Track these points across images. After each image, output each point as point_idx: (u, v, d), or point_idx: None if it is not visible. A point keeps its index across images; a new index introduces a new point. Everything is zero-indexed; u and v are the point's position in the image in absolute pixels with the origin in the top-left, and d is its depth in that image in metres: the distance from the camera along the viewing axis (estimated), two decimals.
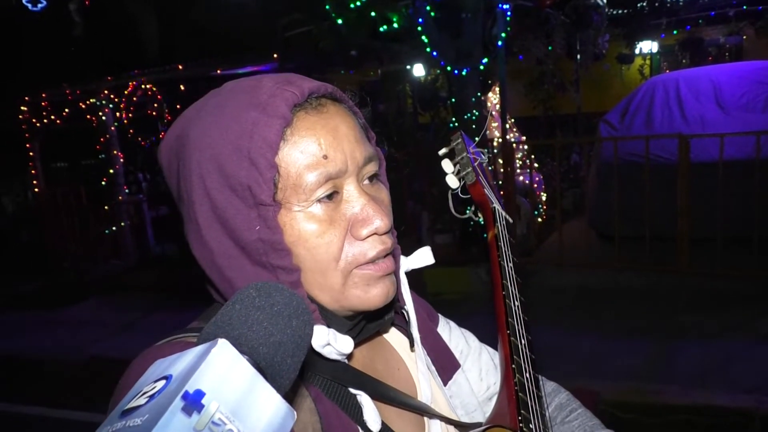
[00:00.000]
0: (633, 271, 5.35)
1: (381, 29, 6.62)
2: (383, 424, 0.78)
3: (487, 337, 1.12)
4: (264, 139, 0.69)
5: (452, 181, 1.05)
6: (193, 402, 0.36)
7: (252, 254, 0.71)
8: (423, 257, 0.90)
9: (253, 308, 0.48)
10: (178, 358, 0.41)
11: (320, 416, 0.72)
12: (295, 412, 0.42)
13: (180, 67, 7.94)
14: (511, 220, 1.04)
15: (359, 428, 0.76)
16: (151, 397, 0.37)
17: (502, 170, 6.02)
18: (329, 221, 0.72)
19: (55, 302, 6.93)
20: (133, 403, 0.38)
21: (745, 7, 9.70)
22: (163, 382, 0.39)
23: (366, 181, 0.77)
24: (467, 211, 1.08)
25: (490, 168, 1.13)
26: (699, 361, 3.99)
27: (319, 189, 0.71)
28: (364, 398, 0.77)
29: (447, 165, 1.06)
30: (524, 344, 0.89)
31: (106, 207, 8.37)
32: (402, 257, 0.88)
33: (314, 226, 0.71)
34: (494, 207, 1.02)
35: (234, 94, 0.74)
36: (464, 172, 1.04)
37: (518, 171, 7.01)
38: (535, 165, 7.54)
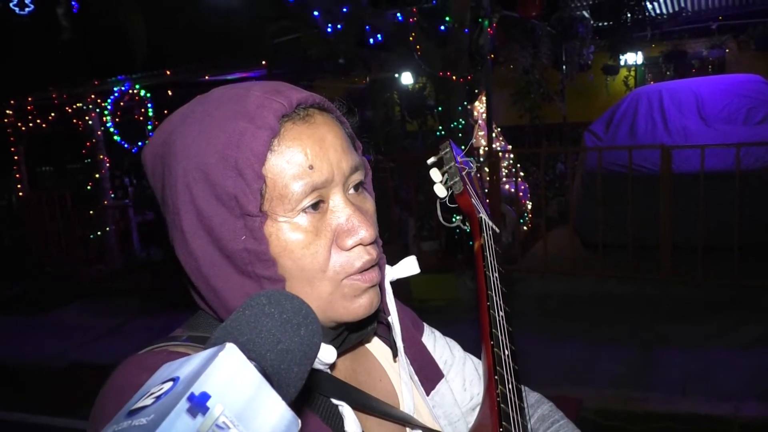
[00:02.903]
0: (616, 279, 5.40)
1: (369, 38, 6.66)
2: None
3: (472, 344, 1.14)
4: (251, 149, 0.68)
5: (440, 191, 1.05)
6: (199, 404, 0.37)
7: (238, 264, 0.71)
8: (408, 267, 0.90)
9: (263, 315, 0.48)
10: (186, 360, 0.42)
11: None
12: (299, 421, 0.42)
13: (168, 72, 7.91)
14: (498, 230, 1.04)
15: None
16: (158, 398, 0.38)
17: (488, 179, 6.06)
18: (315, 232, 0.72)
19: (38, 307, 6.85)
20: (140, 404, 0.39)
21: (728, 21, 9.86)
22: (170, 383, 0.39)
23: (352, 191, 0.77)
24: (454, 220, 1.08)
25: (478, 176, 1.14)
26: (681, 368, 4.04)
27: (305, 199, 0.71)
28: (345, 409, 0.77)
29: (435, 174, 1.05)
30: (507, 355, 0.89)
31: (91, 212, 8.29)
32: (387, 266, 0.88)
33: (300, 236, 0.71)
34: (481, 217, 1.02)
35: (221, 103, 0.73)
36: (452, 182, 1.04)
37: (504, 179, 7.06)
38: (521, 174, 7.59)
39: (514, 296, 5.53)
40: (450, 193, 1.05)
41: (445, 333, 1.12)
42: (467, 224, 1.06)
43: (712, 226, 5.05)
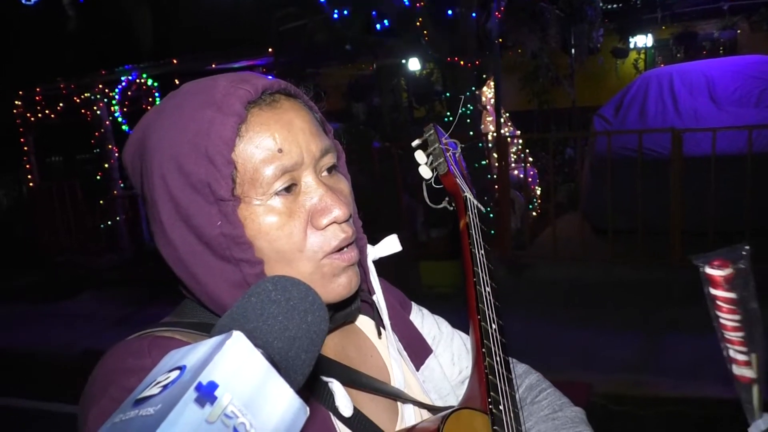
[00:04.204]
0: (626, 265, 5.38)
1: (376, 24, 6.62)
2: (355, 409, 0.79)
3: None
4: (220, 136, 0.70)
5: (425, 172, 1.07)
6: (206, 393, 0.37)
7: (216, 249, 0.72)
8: (390, 245, 0.92)
9: (269, 302, 0.48)
10: (192, 348, 0.41)
11: None
12: (308, 408, 0.42)
13: (174, 61, 7.90)
14: (483, 209, 1.06)
15: (331, 414, 0.77)
16: (165, 387, 0.38)
17: (496, 164, 6.03)
18: (288, 213, 0.74)
19: (49, 296, 6.91)
20: (147, 393, 0.38)
21: (739, 1, 9.72)
22: (177, 372, 0.39)
23: (324, 173, 0.79)
24: (443, 203, 1.10)
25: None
26: (691, 353, 4.02)
27: (276, 182, 0.73)
28: (335, 385, 0.78)
29: (420, 156, 1.08)
30: (495, 329, 0.91)
31: (101, 201, 8.34)
32: (369, 246, 0.90)
33: (274, 218, 0.73)
34: (466, 196, 1.04)
35: (190, 95, 0.76)
36: (437, 163, 1.07)
37: (513, 165, 7.03)
38: (530, 159, 7.55)
39: (523, 282, 5.52)
40: (435, 174, 1.08)
41: (453, 319, 1.13)
42: (453, 205, 1.08)
43: (724, 211, 5.00)
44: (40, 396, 4.55)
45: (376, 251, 0.91)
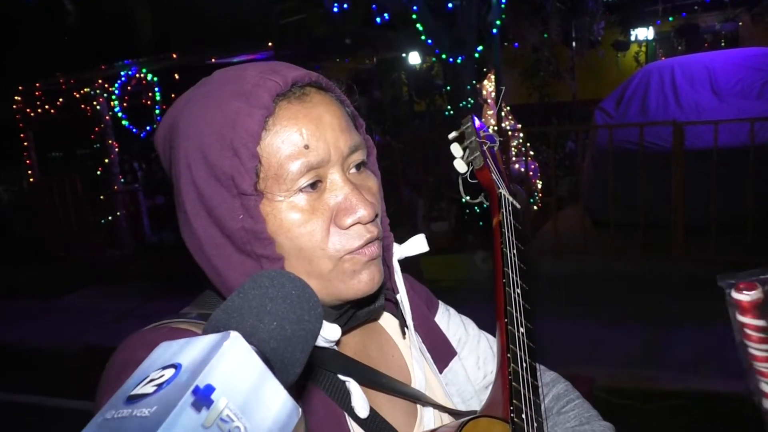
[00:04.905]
0: (628, 258, 5.37)
1: (375, 17, 6.59)
2: (372, 410, 0.78)
3: (481, 324, 1.12)
4: (246, 129, 0.69)
5: (460, 166, 1.02)
6: (203, 397, 0.36)
7: (237, 243, 0.71)
8: (417, 245, 0.89)
9: (267, 299, 0.47)
10: (186, 345, 0.40)
11: (303, 401, 0.72)
12: (300, 409, 0.41)
13: (174, 55, 7.88)
14: (519, 206, 1.01)
15: (346, 414, 0.76)
16: (159, 386, 0.37)
17: None
18: (311, 210, 0.72)
19: (51, 291, 6.92)
20: (140, 390, 0.37)
21: None
22: (171, 371, 0.38)
23: (353, 170, 0.77)
24: (479, 198, 1.05)
25: (500, 151, 1.10)
26: (693, 346, 4.02)
27: (301, 178, 0.71)
28: (352, 385, 0.77)
29: (455, 149, 1.03)
30: (522, 333, 0.87)
31: (101, 196, 8.34)
32: (395, 245, 0.87)
33: (296, 215, 0.71)
34: (500, 192, 0.99)
35: (220, 84, 0.74)
36: (472, 157, 1.02)
37: (514, 159, 7.02)
38: (531, 153, 7.54)
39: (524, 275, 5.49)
40: (470, 168, 1.02)
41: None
42: (489, 200, 1.04)
43: (726, 204, 4.99)
44: (41, 391, 4.56)
45: (402, 250, 0.89)
